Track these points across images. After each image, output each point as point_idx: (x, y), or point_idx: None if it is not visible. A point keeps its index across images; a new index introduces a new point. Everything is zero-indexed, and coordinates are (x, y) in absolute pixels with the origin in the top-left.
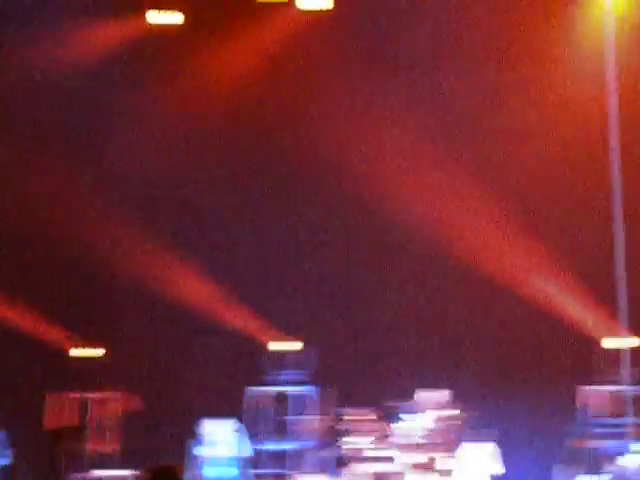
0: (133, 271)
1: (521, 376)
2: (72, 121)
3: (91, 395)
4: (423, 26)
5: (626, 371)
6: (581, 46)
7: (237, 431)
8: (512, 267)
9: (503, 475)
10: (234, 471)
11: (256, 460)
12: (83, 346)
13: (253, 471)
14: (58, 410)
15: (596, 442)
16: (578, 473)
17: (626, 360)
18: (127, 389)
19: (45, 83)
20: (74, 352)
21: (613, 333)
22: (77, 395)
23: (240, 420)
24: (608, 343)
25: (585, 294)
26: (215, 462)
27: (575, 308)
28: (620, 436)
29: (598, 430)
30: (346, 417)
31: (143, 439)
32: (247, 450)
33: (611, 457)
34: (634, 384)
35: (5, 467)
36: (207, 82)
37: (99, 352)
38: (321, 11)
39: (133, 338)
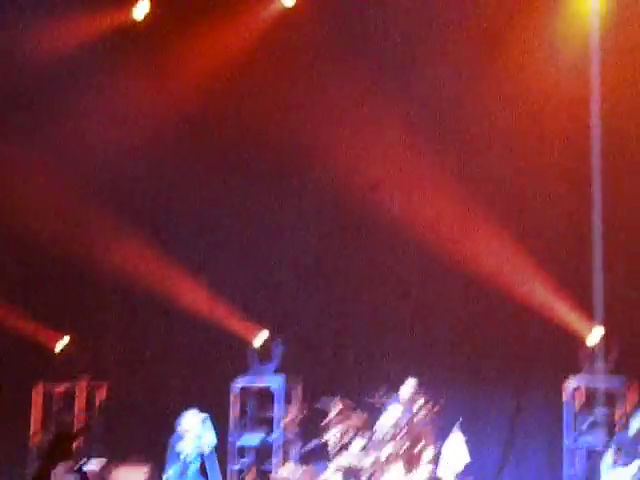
0: (111, 264)
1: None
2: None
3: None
4: (405, 21)
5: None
6: (565, 43)
7: (204, 423)
8: (495, 267)
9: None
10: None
11: (240, 454)
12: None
13: (237, 467)
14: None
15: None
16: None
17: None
18: (108, 380)
19: (20, 70)
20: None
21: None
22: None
23: (224, 414)
24: (591, 340)
25: (564, 292)
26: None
27: (556, 306)
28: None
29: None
30: (327, 409)
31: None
32: (211, 442)
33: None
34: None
35: None
36: (185, 75)
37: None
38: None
39: (115, 331)
